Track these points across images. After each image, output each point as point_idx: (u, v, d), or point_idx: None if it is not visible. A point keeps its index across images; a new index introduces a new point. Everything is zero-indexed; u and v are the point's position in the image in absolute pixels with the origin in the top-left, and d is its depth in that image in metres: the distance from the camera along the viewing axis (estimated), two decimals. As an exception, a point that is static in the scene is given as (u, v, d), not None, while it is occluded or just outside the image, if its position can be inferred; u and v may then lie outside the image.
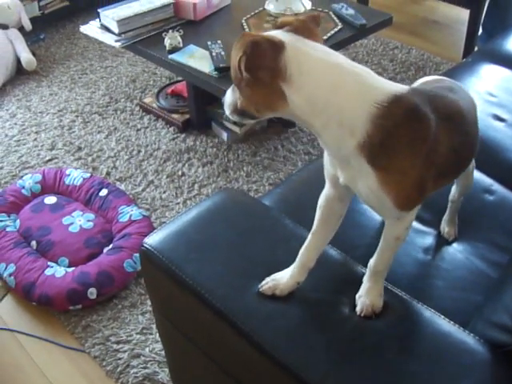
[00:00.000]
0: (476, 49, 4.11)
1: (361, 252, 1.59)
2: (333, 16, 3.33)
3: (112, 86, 4.04)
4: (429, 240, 1.89)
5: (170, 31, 3.15)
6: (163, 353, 2.19)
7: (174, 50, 3.08)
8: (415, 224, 1.91)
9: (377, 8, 3.71)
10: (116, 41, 3.21)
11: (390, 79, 1.28)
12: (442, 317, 1.41)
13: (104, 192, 2.98)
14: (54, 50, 4.55)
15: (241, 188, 3.08)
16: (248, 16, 3.37)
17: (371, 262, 1.44)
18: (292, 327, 1.39)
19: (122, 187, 3.13)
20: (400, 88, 1.26)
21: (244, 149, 3.39)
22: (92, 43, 4.54)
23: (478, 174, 2.12)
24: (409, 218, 1.37)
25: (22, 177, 3.14)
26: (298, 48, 1.21)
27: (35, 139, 3.57)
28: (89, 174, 3.11)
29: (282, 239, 1.34)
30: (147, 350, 2.35)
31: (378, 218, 1.82)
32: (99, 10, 3.31)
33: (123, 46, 3.22)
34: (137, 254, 2.59)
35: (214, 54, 2.94)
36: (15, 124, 3.72)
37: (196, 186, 3.14)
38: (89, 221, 2.83)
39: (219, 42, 3.04)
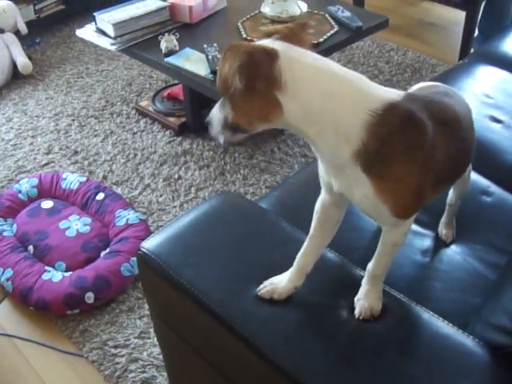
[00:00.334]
0: (472, 50, 4.11)
1: (359, 254, 1.59)
2: (329, 18, 3.33)
3: (108, 90, 4.04)
4: (427, 242, 1.89)
5: (166, 34, 3.14)
6: (161, 357, 2.18)
7: (170, 53, 3.07)
8: (413, 226, 1.90)
9: (372, 10, 3.72)
10: (112, 44, 3.21)
11: (386, 81, 1.29)
12: (441, 319, 1.41)
13: (101, 196, 2.98)
14: (49, 53, 4.55)
15: (237, 191, 3.08)
16: (244, 19, 3.37)
17: (369, 266, 1.44)
18: (290, 331, 1.38)
19: (119, 191, 3.12)
20: (395, 94, 1.26)
21: (240, 152, 3.39)
22: (88, 47, 4.53)
23: (475, 176, 2.12)
24: (406, 224, 1.37)
25: (19, 181, 3.13)
26: (290, 56, 1.21)
27: (31, 143, 3.56)
28: (85, 178, 3.11)
29: (280, 242, 1.33)
30: (145, 354, 2.35)
31: (375, 220, 1.82)
32: (95, 14, 3.31)
33: (119, 49, 3.22)
34: (134, 258, 2.58)
35: (210, 56, 2.94)
36: (11, 128, 3.71)
37: (193, 189, 3.14)
38: (86, 225, 2.83)
39: (215, 44, 3.04)
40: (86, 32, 3.37)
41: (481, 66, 2.76)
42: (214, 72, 2.88)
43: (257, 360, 1.34)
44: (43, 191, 3.05)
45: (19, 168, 3.36)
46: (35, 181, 3.07)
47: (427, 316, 1.42)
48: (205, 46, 3.04)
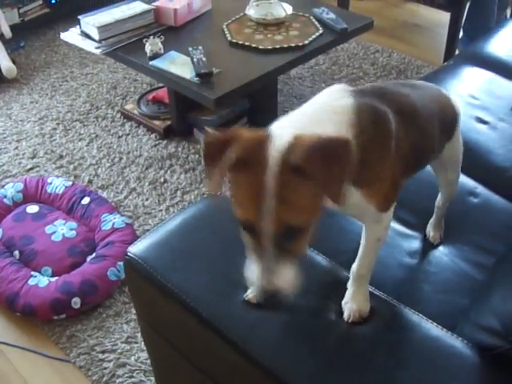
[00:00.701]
0: (457, 52, 4.12)
1: (347, 257, 1.58)
2: (314, 20, 3.33)
3: (93, 93, 4.02)
4: (414, 244, 1.89)
5: (151, 37, 3.13)
6: (149, 362, 2.17)
7: (155, 56, 3.06)
8: (401, 228, 1.91)
9: (357, 12, 3.71)
10: (96, 47, 3.19)
11: (372, 83, 1.29)
12: (430, 321, 1.41)
13: (86, 200, 2.96)
14: (34, 57, 4.52)
15: (224, 194, 3.06)
16: (229, 21, 3.36)
17: (354, 266, 1.44)
18: (279, 334, 1.38)
19: (104, 195, 3.10)
20: (348, 98, 1.29)
21: (227, 155, 3.36)
22: (72, 50, 4.51)
23: (462, 177, 2.11)
24: (387, 217, 1.40)
25: (4, 186, 3.11)
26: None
27: (16, 148, 3.54)
28: (71, 182, 3.09)
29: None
30: (133, 358, 2.34)
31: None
32: (79, 17, 3.28)
33: (104, 52, 3.20)
34: (120, 263, 2.57)
35: (195, 59, 2.93)
36: (-4, 132, 3.69)
37: (179, 192, 3.13)
38: (71, 229, 2.81)
39: (200, 47, 3.03)
40: (71, 35, 3.34)
41: (466, 67, 2.77)
42: (199, 75, 2.87)
43: (245, 364, 1.34)
44: (28, 196, 3.03)
45: (4, 173, 3.34)
46: (20, 185, 3.05)
47: (416, 318, 1.42)
48: (190, 48, 3.02)
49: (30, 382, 2.33)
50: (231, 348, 1.35)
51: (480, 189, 2.11)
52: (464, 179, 2.12)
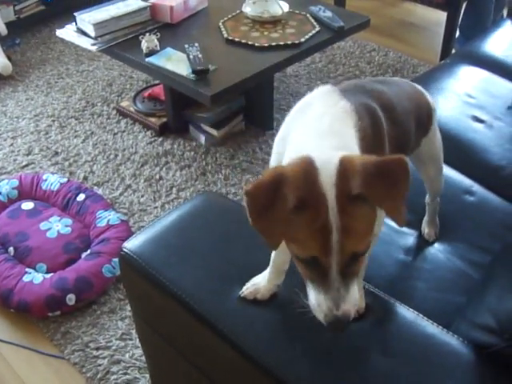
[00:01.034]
0: (453, 51, 4.12)
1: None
2: (310, 18, 3.33)
3: (88, 90, 4.02)
4: (410, 241, 1.89)
5: (147, 34, 3.13)
6: (144, 358, 2.16)
7: (151, 53, 3.06)
8: (396, 225, 1.90)
9: (354, 10, 3.72)
10: (92, 44, 3.18)
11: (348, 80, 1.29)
12: (425, 318, 1.41)
13: (81, 197, 2.95)
14: (29, 54, 4.51)
15: (219, 191, 3.07)
16: (225, 19, 3.37)
17: None
18: (274, 331, 1.38)
19: (100, 192, 3.10)
20: (342, 99, 1.28)
21: (222, 152, 3.38)
22: (68, 47, 4.51)
23: (458, 176, 2.13)
24: (382, 214, 1.37)
25: (-1, 182, 3.11)
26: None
27: (11, 144, 3.53)
28: (66, 179, 3.08)
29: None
30: (127, 355, 2.33)
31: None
32: (75, 14, 3.28)
33: (100, 49, 3.20)
34: (115, 259, 2.57)
35: (191, 56, 2.93)
36: (-9, 129, 3.68)
37: (174, 189, 3.13)
38: (66, 226, 2.81)
39: (196, 44, 3.03)
40: (67, 32, 3.34)
41: (463, 66, 2.77)
42: (195, 72, 2.87)
43: (240, 360, 1.33)
44: (23, 192, 3.03)
45: (-1, 169, 3.33)
46: (15, 182, 3.05)
47: (411, 315, 1.42)
48: (186, 45, 3.02)
49: (24, 379, 2.32)
50: (226, 344, 1.35)
51: (476, 187, 2.11)
52: (460, 178, 2.13)
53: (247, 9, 3.35)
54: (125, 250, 1.54)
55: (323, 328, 1.13)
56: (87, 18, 3.18)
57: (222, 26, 3.28)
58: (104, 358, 2.33)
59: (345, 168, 1.07)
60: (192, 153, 3.38)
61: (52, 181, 3.05)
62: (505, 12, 4.49)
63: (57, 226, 2.80)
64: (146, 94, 3.73)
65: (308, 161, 1.09)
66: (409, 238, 1.90)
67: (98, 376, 2.27)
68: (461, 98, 2.51)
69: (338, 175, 1.06)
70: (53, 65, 4.35)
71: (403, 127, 1.48)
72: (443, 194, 1.94)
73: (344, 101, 1.27)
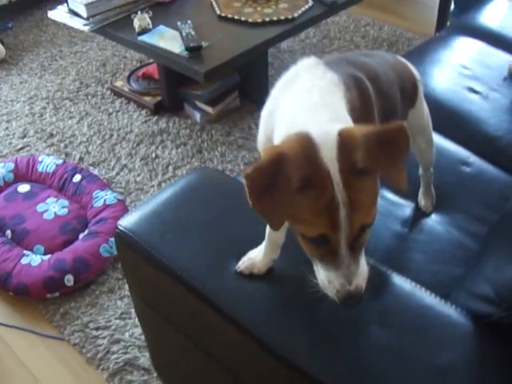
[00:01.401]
0: (448, 23, 4.10)
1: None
2: (303, -7, 3.30)
3: (82, 71, 4.00)
4: (407, 212, 1.89)
5: (139, 13, 3.10)
6: (143, 337, 2.17)
7: (144, 31, 3.04)
8: (393, 197, 1.90)
9: (347, -16, 3.69)
10: (84, 25, 3.16)
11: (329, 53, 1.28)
12: (423, 289, 1.40)
13: (77, 178, 2.94)
14: (22, 37, 4.49)
15: (215, 168, 3.06)
16: (218, -5, 3.34)
17: None
18: (272, 305, 1.37)
19: (96, 172, 3.09)
20: (329, 72, 1.27)
21: (217, 129, 3.37)
22: (61, 29, 4.49)
23: (454, 147, 2.13)
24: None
25: (-6, 166, 3.10)
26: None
27: (6, 128, 3.52)
28: (61, 160, 3.07)
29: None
30: (127, 334, 2.33)
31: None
32: (67, -5, 3.26)
33: (92, 29, 3.18)
34: (112, 239, 2.56)
35: (184, 34, 2.91)
36: (-15, 113, 3.67)
37: (170, 167, 3.12)
38: (63, 207, 2.80)
39: (189, 21, 3.00)
40: (58, 13, 3.31)
41: (458, 37, 2.76)
42: (188, 49, 2.85)
43: (238, 335, 1.33)
44: (19, 175, 3.02)
45: (-6, 153, 3.32)
46: (11, 165, 3.04)
47: (409, 287, 1.41)
48: (178, 23, 3.00)
49: (24, 361, 2.32)
50: (224, 319, 1.34)
51: (472, 158, 2.11)
52: (456, 149, 2.12)
53: (240, -15, 3.33)
54: (120, 227, 1.53)
55: (320, 301, 1.12)
56: (79, -1, 3.16)
57: (214, 3, 3.25)
58: (104, 337, 2.33)
59: (345, 141, 1.06)
60: (187, 130, 3.37)
61: (48, 162, 3.04)
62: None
63: (53, 207, 2.80)
64: (140, 73, 3.71)
65: (305, 137, 1.08)
66: (405, 209, 1.90)
67: (99, 356, 2.27)
68: (456, 70, 2.50)
69: (340, 149, 1.05)
70: (46, 47, 4.34)
71: (389, 98, 1.47)
72: (440, 165, 1.94)
73: (331, 72, 1.25)
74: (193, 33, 2.91)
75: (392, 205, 1.89)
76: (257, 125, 3.29)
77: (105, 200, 2.80)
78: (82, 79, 3.91)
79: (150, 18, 3.08)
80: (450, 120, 2.26)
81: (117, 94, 3.71)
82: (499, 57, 2.63)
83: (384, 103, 1.40)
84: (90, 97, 3.73)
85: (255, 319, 1.33)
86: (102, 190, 2.87)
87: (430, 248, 1.80)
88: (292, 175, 1.02)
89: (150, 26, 3.06)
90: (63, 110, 3.64)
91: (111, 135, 3.39)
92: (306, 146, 1.06)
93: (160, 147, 3.27)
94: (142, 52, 3.33)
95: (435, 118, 1.86)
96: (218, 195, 1.64)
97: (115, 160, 3.20)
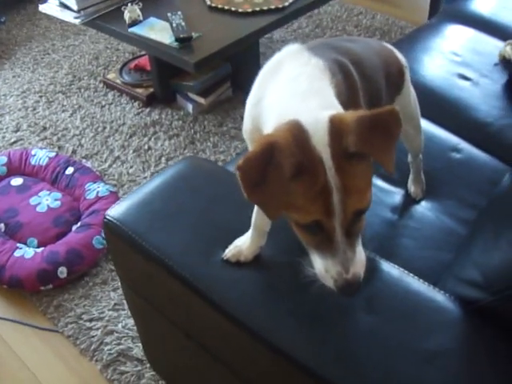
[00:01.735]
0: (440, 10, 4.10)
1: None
2: (295, -18, 3.30)
3: (75, 65, 3.99)
4: (397, 199, 1.89)
5: (129, 4, 3.10)
6: (136, 328, 2.17)
7: (134, 23, 3.04)
8: (383, 184, 1.90)
9: (339, -27, 3.69)
10: (75, 18, 3.16)
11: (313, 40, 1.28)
12: (411, 275, 1.40)
13: (70, 170, 2.94)
14: (15, 32, 4.48)
15: (208, 159, 3.05)
16: (208, -14, 3.33)
17: None
18: (259, 292, 1.37)
19: (89, 164, 3.09)
20: (313, 58, 1.26)
21: (210, 120, 3.37)
22: (54, 23, 4.48)
23: (444, 133, 2.12)
24: None
25: (-13, 160, 3.09)
26: None
27: (0, 122, 3.52)
28: (54, 153, 3.07)
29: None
30: (120, 325, 2.34)
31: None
32: (57, -12, 3.25)
33: (83, 22, 3.18)
34: (106, 231, 2.57)
35: (174, 25, 2.91)
36: (-22, 108, 3.67)
37: (163, 159, 3.12)
38: (56, 200, 2.80)
39: (179, 13, 3.01)
40: (49, 7, 3.31)
41: (449, 24, 2.75)
42: (178, 39, 2.86)
43: (227, 323, 1.33)
44: (12, 169, 3.02)
45: (-13, 147, 3.32)
46: (4, 159, 3.04)
47: (397, 272, 1.41)
48: (169, 14, 3.00)
49: (18, 354, 2.32)
50: (212, 307, 1.35)
51: (463, 144, 2.11)
52: (447, 135, 2.12)
53: (230, -25, 3.33)
54: (108, 217, 1.53)
55: (308, 288, 1.12)
56: (69, -9, 3.16)
57: (205, -7, 3.26)
58: (97, 329, 2.34)
59: (336, 127, 1.05)
60: (180, 122, 3.37)
61: (40, 156, 3.04)
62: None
63: (46, 200, 2.80)
64: (132, 65, 3.71)
65: (296, 125, 1.08)
66: (395, 196, 1.90)
67: (92, 347, 2.28)
68: (447, 57, 2.50)
69: (331, 135, 1.05)
70: (39, 41, 4.33)
71: (373, 83, 1.46)
72: (430, 152, 1.94)
73: (315, 58, 1.25)
74: (183, 24, 2.91)
75: (382, 192, 1.89)
76: (249, 115, 3.28)
77: (97, 192, 2.80)
78: (74, 72, 3.90)
79: (140, 9, 3.09)
80: (441, 106, 2.26)
81: (109, 86, 3.70)
82: (490, 43, 2.63)
83: (369, 88, 1.39)
84: (82, 90, 3.72)
85: (242, 306, 1.33)
86: (95, 183, 2.87)
87: (421, 234, 1.80)
88: (284, 163, 1.02)
89: (141, 18, 3.06)
90: (56, 103, 3.63)
91: (104, 128, 3.38)
92: (296, 133, 1.06)
93: (153, 139, 3.27)
94: (132, 44, 3.33)
95: (425, 105, 1.86)
96: (206, 183, 1.64)
97: (108, 152, 3.20)
